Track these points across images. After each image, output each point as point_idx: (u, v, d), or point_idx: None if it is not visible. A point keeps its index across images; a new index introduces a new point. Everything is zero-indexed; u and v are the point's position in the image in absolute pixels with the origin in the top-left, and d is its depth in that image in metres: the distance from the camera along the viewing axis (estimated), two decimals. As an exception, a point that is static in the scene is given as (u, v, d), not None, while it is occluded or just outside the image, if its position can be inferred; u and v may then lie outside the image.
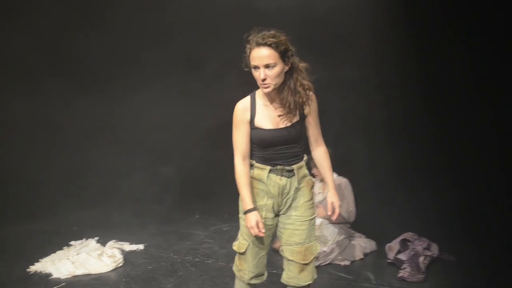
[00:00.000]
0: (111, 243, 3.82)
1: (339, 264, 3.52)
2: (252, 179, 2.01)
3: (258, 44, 1.79)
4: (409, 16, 4.17)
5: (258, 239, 2.03)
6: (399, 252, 3.47)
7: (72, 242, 3.92)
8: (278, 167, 1.98)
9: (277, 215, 2.07)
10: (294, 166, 1.99)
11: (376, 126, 4.43)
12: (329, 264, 3.51)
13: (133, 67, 5.24)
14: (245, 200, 1.96)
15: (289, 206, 2.03)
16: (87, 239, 3.99)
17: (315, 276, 2.09)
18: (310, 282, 2.06)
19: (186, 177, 5.39)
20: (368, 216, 4.22)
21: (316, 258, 2.08)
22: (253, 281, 2.12)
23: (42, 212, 4.65)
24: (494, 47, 3.95)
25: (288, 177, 1.99)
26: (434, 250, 3.56)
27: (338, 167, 3.57)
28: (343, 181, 3.67)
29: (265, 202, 2.02)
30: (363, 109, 4.43)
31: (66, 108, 5.14)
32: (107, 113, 5.31)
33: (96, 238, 4.01)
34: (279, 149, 1.96)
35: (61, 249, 3.74)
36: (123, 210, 4.98)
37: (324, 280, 3.20)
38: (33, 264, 3.38)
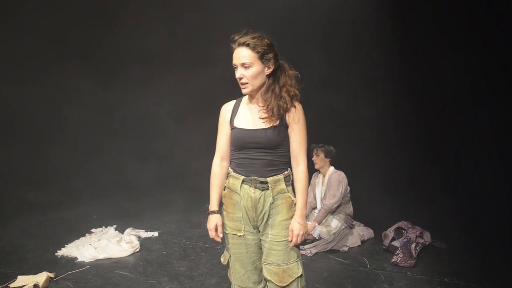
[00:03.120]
0: (128, 230, 4.17)
1: (338, 250, 3.81)
2: (229, 190, 1.95)
3: (239, 44, 1.82)
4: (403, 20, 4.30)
5: (240, 252, 1.95)
6: (393, 239, 3.74)
7: (93, 230, 4.28)
8: (252, 177, 1.88)
9: (258, 231, 1.96)
10: (269, 179, 1.87)
11: (371, 123, 4.64)
12: (328, 250, 3.80)
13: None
14: (211, 201, 1.96)
15: (266, 222, 1.91)
16: (106, 226, 4.35)
17: None
18: None
19: (197, 169, 5.70)
20: (367, 205, 4.49)
21: (299, 280, 1.91)
22: None
23: (64, 203, 5.03)
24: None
25: (262, 190, 1.87)
26: (427, 238, 3.82)
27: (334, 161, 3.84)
28: (336, 175, 3.90)
29: (242, 215, 1.92)
30: (354, 106, 4.61)
31: (84, 102, 5.45)
32: (122, 108, 5.63)
33: (115, 226, 4.37)
34: (253, 154, 1.87)
35: (83, 235, 4.10)
36: (139, 200, 5.35)
37: (322, 264, 3.49)
38: (60, 249, 3.75)
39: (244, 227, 1.93)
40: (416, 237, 3.74)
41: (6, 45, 4.75)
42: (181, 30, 5.36)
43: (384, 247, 3.76)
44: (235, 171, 1.93)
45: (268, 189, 1.87)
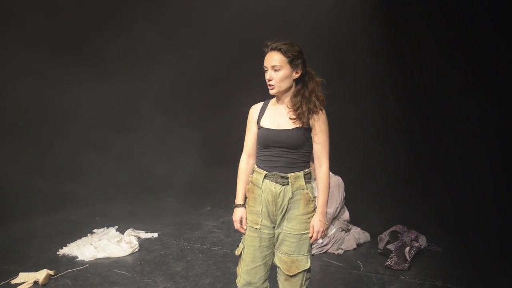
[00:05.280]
0: (129, 231, 4.27)
1: (333, 253, 3.84)
2: (252, 184, 2.08)
3: (271, 49, 1.96)
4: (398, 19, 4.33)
5: (253, 245, 2.05)
6: (388, 242, 3.76)
7: (95, 230, 4.39)
8: (274, 172, 1.99)
9: (274, 226, 2.06)
10: (290, 175, 1.98)
11: (370, 126, 4.68)
12: (324, 252, 3.83)
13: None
14: (237, 195, 2.12)
15: (283, 216, 2.02)
16: (108, 227, 4.46)
17: None
18: None
19: (199, 172, 5.82)
20: (364, 210, 4.52)
21: (305, 273, 2.04)
22: None
23: (69, 203, 5.16)
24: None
25: (282, 185, 1.98)
26: (422, 241, 3.83)
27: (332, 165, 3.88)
28: (334, 179, 3.93)
29: (262, 208, 2.03)
30: (348, 108, 4.65)
31: (83, 99, 5.54)
32: (119, 105, 5.74)
33: (116, 226, 4.47)
34: (277, 152, 1.99)
35: (85, 235, 4.21)
36: (141, 202, 5.46)
37: (316, 266, 3.53)
38: (61, 248, 3.86)
39: (261, 221, 2.04)
40: (411, 240, 3.76)
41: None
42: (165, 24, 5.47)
43: (379, 250, 3.79)
44: (259, 167, 2.06)
45: (288, 184, 1.98)
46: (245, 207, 2.12)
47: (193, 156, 6.16)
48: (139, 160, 5.82)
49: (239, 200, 2.12)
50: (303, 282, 2.06)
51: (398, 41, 4.44)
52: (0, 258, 3.63)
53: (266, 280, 2.12)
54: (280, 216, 2.03)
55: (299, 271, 2.02)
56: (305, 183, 2.01)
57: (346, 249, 3.90)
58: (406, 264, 3.47)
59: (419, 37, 4.36)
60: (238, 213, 2.11)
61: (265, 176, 2.02)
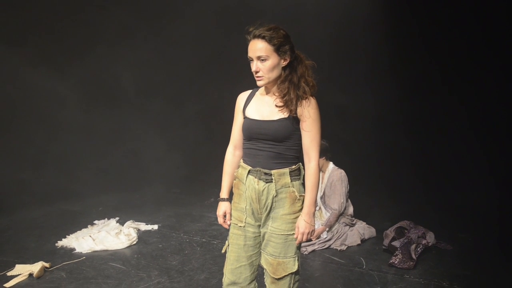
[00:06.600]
0: (128, 223, 4.22)
1: (336, 249, 3.70)
2: (237, 180, 1.96)
3: (254, 36, 1.78)
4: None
5: (237, 243, 1.94)
6: (394, 239, 3.58)
7: (95, 221, 4.36)
8: (257, 168, 1.86)
9: (260, 225, 1.94)
10: (274, 171, 1.83)
11: (378, 116, 4.48)
12: (326, 248, 3.69)
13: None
14: (222, 188, 2.01)
15: (268, 215, 1.89)
16: (108, 219, 4.42)
17: None
18: None
19: (203, 163, 5.74)
20: (371, 203, 4.34)
21: (293, 276, 1.90)
22: None
23: (73, 194, 5.16)
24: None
25: (266, 182, 1.85)
26: (430, 238, 3.64)
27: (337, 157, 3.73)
28: (337, 173, 3.78)
29: (246, 206, 1.92)
30: (356, 102, 4.48)
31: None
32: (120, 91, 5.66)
33: (117, 218, 4.43)
34: (261, 145, 1.85)
35: (86, 227, 4.19)
36: (145, 193, 5.41)
37: (316, 263, 3.40)
38: (60, 240, 3.84)
39: (245, 219, 1.93)
40: (418, 237, 3.57)
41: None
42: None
43: (384, 247, 3.62)
44: (244, 161, 1.94)
45: (272, 181, 1.85)
46: (230, 202, 2.01)
47: (199, 146, 6.08)
48: (144, 152, 5.77)
49: (223, 193, 2.02)
50: (291, 286, 1.92)
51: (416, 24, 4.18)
52: (-1, 249, 3.64)
53: (252, 281, 2.00)
54: (265, 215, 1.90)
55: (286, 274, 1.88)
56: (291, 181, 1.86)
57: (349, 245, 3.75)
58: (411, 263, 3.30)
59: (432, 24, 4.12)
60: (221, 208, 2.01)
61: (249, 172, 1.90)
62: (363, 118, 4.56)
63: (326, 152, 3.80)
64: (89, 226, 4.22)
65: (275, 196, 1.86)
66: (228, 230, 2.02)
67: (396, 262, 3.31)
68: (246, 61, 1.85)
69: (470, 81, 4.01)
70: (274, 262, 1.88)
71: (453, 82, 4.12)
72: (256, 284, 2.02)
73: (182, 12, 5.33)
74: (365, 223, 4.07)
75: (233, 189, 2.00)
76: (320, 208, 3.92)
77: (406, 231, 3.70)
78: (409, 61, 4.20)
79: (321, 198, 3.88)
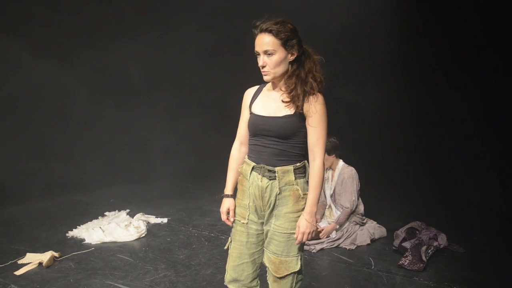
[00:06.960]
0: (138, 215, 4.26)
1: (345, 248, 3.64)
2: (241, 176, 1.94)
3: (261, 30, 1.75)
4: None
5: (240, 240, 1.93)
6: (404, 240, 3.51)
7: (106, 213, 4.41)
8: (261, 165, 1.84)
9: (263, 222, 1.92)
10: (278, 169, 1.81)
11: (391, 114, 4.39)
12: (335, 247, 3.64)
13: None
14: (226, 184, 1.99)
15: (271, 212, 1.87)
16: (119, 211, 4.47)
17: None
18: None
19: (214, 157, 5.72)
20: (382, 203, 4.26)
21: (295, 275, 1.87)
22: (231, 286, 1.98)
23: (82, 186, 5.23)
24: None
25: (269, 179, 1.82)
26: (442, 240, 3.55)
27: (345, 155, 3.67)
28: (347, 170, 3.72)
29: (249, 203, 1.90)
30: (366, 100, 4.40)
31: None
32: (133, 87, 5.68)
33: (127, 210, 4.48)
34: (266, 142, 1.83)
35: (96, 218, 4.24)
36: (154, 187, 5.45)
37: (324, 261, 3.35)
38: (71, 230, 3.90)
39: (248, 215, 1.91)
40: (429, 239, 3.49)
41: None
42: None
43: (394, 247, 3.55)
44: (249, 157, 1.92)
45: (275, 179, 1.82)
46: (234, 198, 1.98)
47: (212, 139, 6.07)
48: (152, 144, 5.79)
49: (227, 190, 1.99)
50: (293, 285, 1.88)
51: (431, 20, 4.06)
52: (11, 238, 3.72)
53: (255, 278, 1.98)
54: (268, 212, 1.87)
55: (288, 273, 1.85)
56: (296, 179, 1.82)
57: (359, 244, 3.69)
58: (421, 265, 3.22)
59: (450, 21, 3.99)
60: (225, 204, 1.98)
61: (253, 168, 1.87)
62: (372, 115, 4.47)
63: (336, 150, 3.73)
64: (99, 217, 4.28)
65: (278, 194, 1.83)
66: (231, 226, 2.01)
67: (405, 264, 3.24)
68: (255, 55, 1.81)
69: (483, 78, 3.87)
70: (276, 260, 1.86)
71: (465, 80, 3.99)
72: (259, 282, 2.00)
73: (191, 3, 5.32)
74: (375, 222, 4.00)
75: (237, 185, 1.98)
76: (330, 206, 3.87)
77: (417, 232, 3.62)
78: (417, 58, 4.09)
79: (331, 196, 3.83)
